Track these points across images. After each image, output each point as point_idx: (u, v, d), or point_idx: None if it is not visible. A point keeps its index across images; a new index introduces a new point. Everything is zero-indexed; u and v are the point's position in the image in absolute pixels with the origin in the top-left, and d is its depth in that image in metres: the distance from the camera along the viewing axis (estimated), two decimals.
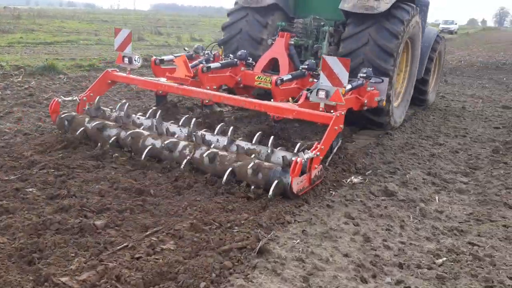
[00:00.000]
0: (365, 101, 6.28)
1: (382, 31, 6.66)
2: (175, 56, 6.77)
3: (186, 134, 5.06)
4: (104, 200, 3.95)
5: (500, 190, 4.99)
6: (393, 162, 5.89)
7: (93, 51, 15.64)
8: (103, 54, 14.60)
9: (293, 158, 4.25)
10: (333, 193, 4.68)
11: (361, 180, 5.09)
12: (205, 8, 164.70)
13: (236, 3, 8.01)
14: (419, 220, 4.21)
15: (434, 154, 6.42)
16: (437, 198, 4.78)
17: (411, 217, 4.25)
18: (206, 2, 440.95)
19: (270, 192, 4.19)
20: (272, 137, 4.84)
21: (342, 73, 4.87)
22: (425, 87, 9.53)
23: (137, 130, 5.18)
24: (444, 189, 5.08)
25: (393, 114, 7.23)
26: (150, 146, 4.93)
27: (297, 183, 4.30)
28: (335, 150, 5.25)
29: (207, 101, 6.47)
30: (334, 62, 4.91)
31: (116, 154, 5.04)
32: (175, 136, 5.09)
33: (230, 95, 5.98)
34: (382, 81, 6.56)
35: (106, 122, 5.40)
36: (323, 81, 4.95)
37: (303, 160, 4.22)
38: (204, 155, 4.61)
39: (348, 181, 5.03)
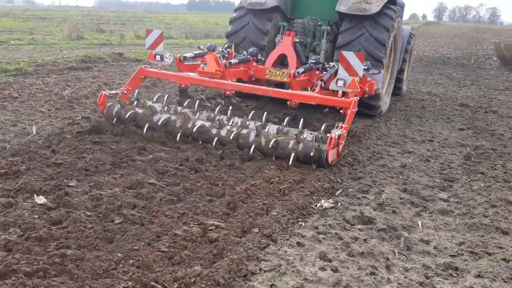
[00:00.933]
0: (366, 89, 7.01)
1: (376, 25, 7.66)
2: (194, 54, 7.71)
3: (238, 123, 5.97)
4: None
5: (487, 210, 4.44)
6: (363, 178, 5.23)
7: (24, 52, 14.10)
8: (35, 55, 13.15)
9: (328, 135, 5.29)
10: (302, 224, 3.93)
11: (332, 204, 4.37)
12: (151, 4, 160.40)
13: (239, 8, 8.78)
14: (406, 256, 3.54)
15: (405, 164, 5.84)
16: (419, 223, 4.15)
17: (396, 253, 3.57)
18: None
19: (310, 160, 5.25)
20: (302, 119, 5.80)
21: (358, 65, 5.85)
22: (401, 76, 10.53)
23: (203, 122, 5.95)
24: (425, 210, 4.46)
25: (382, 100, 8.28)
26: (216, 136, 5.78)
27: (331, 155, 5.31)
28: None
29: (228, 92, 6.94)
30: (350, 56, 5.87)
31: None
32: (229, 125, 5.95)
33: (259, 86, 6.85)
34: (379, 72, 7.46)
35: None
36: (341, 71, 5.93)
37: (336, 136, 5.24)
38: (265, 140, 5.60)
39: (318, 206, 4.31)
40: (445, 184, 5.21)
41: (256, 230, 3.68)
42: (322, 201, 4.39)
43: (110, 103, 6.49)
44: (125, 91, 6.63)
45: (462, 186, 5.19)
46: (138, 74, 6.91)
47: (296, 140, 5.46)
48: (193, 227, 3.63)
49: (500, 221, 4.17)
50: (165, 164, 5.03)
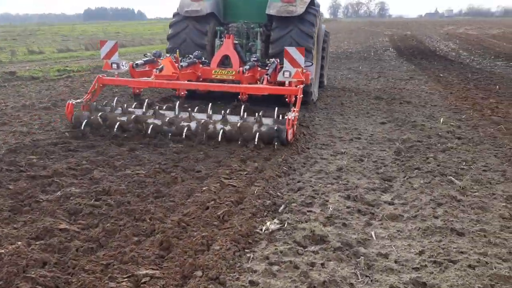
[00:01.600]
0: (304, 79, 7.54)
1: (303, 21, 8.74)
2: (144, 61, 8.10)
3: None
4: None
5: (435, 210, 4.26)
6: (303, 188, 4.86)
7: None
8: None
9: (286, 117, 6.27)
10: (251, 255, 3.43)
11: (278, 225, 3.93)
12: (44, 16, 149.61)
13: (176, 14, 9.41)
14: (370, 277, 3.18)
15: (341, 167, 5.58)
16: (373, 234, 3.84)
17: (358, 275, 3.20)
18: (45, 9, 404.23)
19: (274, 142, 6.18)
20: (261, 111, 6.64)
21: (300, 58, 7.06)
22: (322, 71, 11.49)
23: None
24: (374, 218, 4.18)
25: (314, 88, 9.60)
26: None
27: (290, 134, 6.24)
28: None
29: (182, 93, 7.81)
30: (293, 51, 7.09)
31: None
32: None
33: (215, 83, 7.99)
34: (312, 64, 8.58)
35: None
36: (286, 65, 7.09)
37: (292, 117, 6.20)
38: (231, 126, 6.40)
39: (263, 229, 3.83)
40: (385, 185, 5.01)
41: (199, 273, 3.11)
42: (268, 223, 3.92)
43: (77, 111, 6.95)
44: (88, 101, 7.08)
45: (402, 185, 5.02)
46: (96, 83, 7.30)
47: (259, 123, 6.33)
48: (122, 281, 2.97)
49: (452, 221, 4.00)
50: (78, 201, 4.25)
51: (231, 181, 4.95)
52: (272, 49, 8.86)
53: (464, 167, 5.54)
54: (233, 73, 7.97)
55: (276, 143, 6.14)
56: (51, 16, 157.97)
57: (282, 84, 7.40)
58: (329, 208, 4.29)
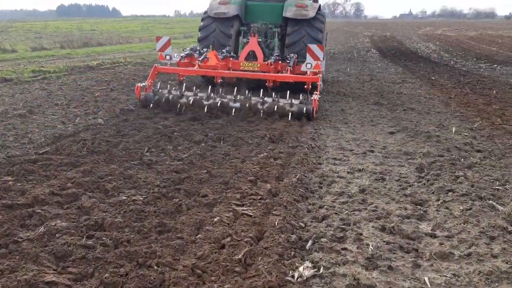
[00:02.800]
0: (322, 69, 9.37)
1: (313, 28, 10.57)
2: (185, 54, 9.62)
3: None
4: None
5: (489, 245, 3.66)
6: (329, 216, 4.22)
7: None
8: None
9: (312, 98, 8.25)
10: None
11: (312, 269, 3.27)
12: (16, 12, 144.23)
13: (206, 16, 11.12)
14: None
15: (363, 189, 4.96)
16: (426, 280, 3.22)
17: None
18: (17, 5, 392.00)
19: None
20: (288, 91, 8.53)
21: (319, 53, 8.92)
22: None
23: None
24: (420, 257, 3.56)
25: (321, 82, 9.96)
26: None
27: (315, 111, 8.15)
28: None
29: (219, 80, 9.30)
30: (314, 47, 8.95)
31: None
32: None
33: (251, 72, 9.43)
34: (323, 59, 9.64)
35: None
36: (308, 58, 8.94)
37: (317, 99, 8.15)
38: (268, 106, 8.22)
39: (296, 277, 3.17)
40: (420, 211, 4.40)
41: None
42: (300, 268, 3.25)
43: (143, 93, 8.67)
44: (149, 83, 8.82)
45: (437, 210, 4.44)
46: (154, 71, 8.98)
47: (290, 104, 8.21)
48: None
49: None
50: (66, 240, 3.49)
51: (244, 208, 4.26)
52: (289, 47, 10.71)
53: (499, 187, 4.99)
54: (258, 65, 9.66)
55: (304, 119, 8.06)
56: (23, 12, 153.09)
57: (301, 74, 9.28)
58: (366, 245, 3.65)
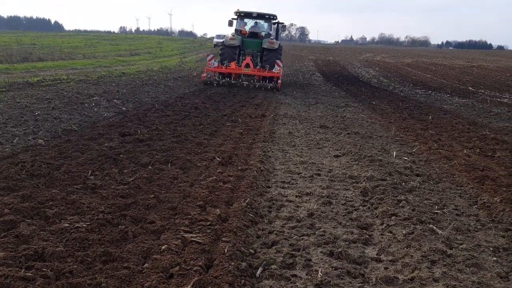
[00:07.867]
0: (281, 72, 19.49)
1: (276, 53, 19.77)
2: (217, 64, 19.39)
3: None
4: None
5: (431, 269, 3.82)
6: (278, 242, 4.23)
7: None
8: None
9: (278, 82, 18.65)
10: None
11: None
12: None
13: (222, 45, 20.81)
14: None
15: (312, 213, 5.04)
16: None
17: None
18: None
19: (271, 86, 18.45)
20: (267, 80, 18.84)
21: (280, 64, 19.38)
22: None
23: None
24: (367, 282, 3.66)
25: (279, 81, 19.20)
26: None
27: (279, 87, 18.62)
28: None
29: (235, 76, 19.33)
30: (278, 61, 19.30)
31: None
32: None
33: (248, 71, 18.90)
34: (281, 67, 19.56)
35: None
36: (276, 67, 19.06)
37: (279, 81, 18.78)
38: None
39: None
40: (365, 236, 4.53)
41: None
42: None
43: (204, 79, 18.57)
44: (204, 75, 19.23)
45: (382, 234, 4.59)
46: (207, 69, 19.15)
47: (267, 84, 18.32)
48: None
49: (455, 285, 3.58)
50: (3, 272, 3.25)
51: (193, 235, 4.19)
52: (265, 61, 19.47)
53: (438, 211, 5.25)
54: (250, 70, 18.64)
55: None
56: None
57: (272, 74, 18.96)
58: (315, 271, 3.69)
